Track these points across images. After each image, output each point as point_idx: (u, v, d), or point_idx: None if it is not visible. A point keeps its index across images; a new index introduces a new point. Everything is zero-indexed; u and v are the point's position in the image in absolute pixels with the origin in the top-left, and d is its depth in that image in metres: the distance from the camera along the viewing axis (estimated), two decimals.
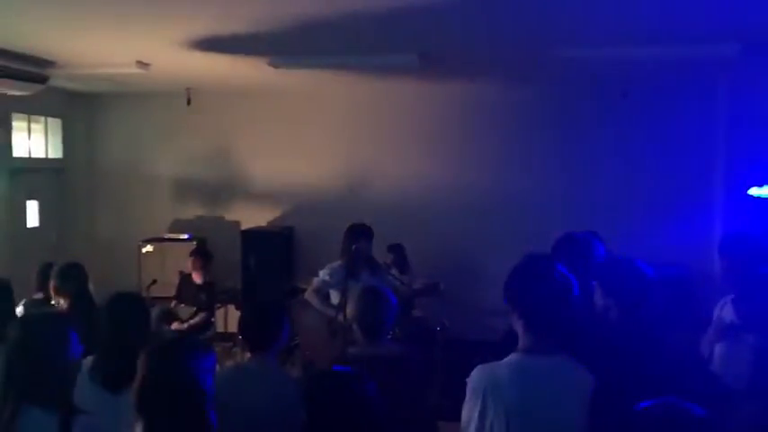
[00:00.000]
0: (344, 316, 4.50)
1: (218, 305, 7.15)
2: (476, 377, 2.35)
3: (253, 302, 3.63)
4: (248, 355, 3.16)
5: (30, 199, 7.77)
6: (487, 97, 7.52)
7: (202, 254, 6.87)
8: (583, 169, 7.37)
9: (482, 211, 7.49)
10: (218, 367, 3.74)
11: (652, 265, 2.93)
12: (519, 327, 2.38)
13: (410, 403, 3.18)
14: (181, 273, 6.92)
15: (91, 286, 4.22)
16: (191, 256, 6.81)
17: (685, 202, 7.09)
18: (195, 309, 6.64)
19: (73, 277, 4.07)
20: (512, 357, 2.35)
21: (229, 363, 6.45)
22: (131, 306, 3.02)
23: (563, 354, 2.35)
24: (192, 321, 6.54)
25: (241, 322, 3.23)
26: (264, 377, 2.95)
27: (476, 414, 2.30)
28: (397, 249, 6.79)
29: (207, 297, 6.70)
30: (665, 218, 7.04)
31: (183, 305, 6.74)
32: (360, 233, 5.13)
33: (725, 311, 3.61)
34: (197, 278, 6.70)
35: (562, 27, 4.69)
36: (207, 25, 4.66)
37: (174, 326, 6.36)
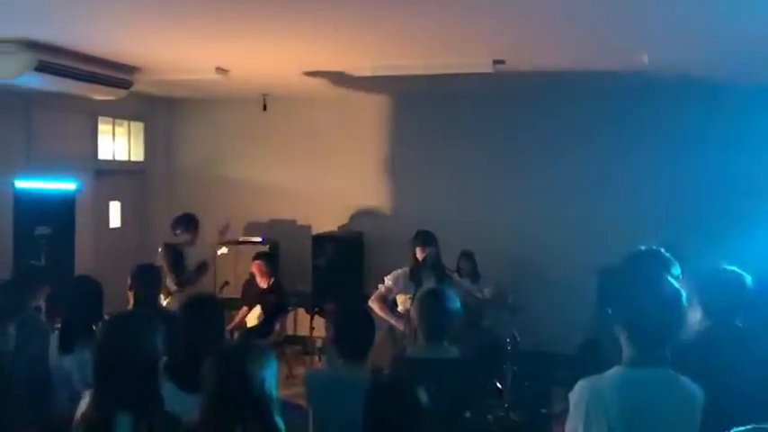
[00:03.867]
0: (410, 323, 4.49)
1: (290, 308, 7.23)
2: (578, 391, 2.26)
3: (347, 311, 3.62)
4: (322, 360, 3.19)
5: (113, 200, 8.07)
6: (559, 109, 7.39)
7: (266, 258, 6.89)
8: (659, 181, 7.11)
9: (554, 221, 7.33)
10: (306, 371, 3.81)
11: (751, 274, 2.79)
12: (623, 338, 2.24)
13: (465, 407, 3.17)
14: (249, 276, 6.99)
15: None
16: (254, 260, 6.83)
17: None
18: (260, 312, 6.67)
19: (144, 279, 4.22)
20: (615, 370, 2.24)
21: (301, 368, 6.53)
22: (207, 308, 3.08)
23: (668, 367, 2.22)
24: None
25: (338, 330, 3.26)
26: (362, 385, 2.96)
27: (580, 430, 2.21)
28: (469, 257, 6.71)
29: (276, 299, 6.73)
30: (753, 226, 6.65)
31: (246, 307, 6.80)
32: (422, 239, 5.11)
33: None
34: (262, 282, 6.75)
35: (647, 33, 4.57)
36: (283, 34, 4.73)
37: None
